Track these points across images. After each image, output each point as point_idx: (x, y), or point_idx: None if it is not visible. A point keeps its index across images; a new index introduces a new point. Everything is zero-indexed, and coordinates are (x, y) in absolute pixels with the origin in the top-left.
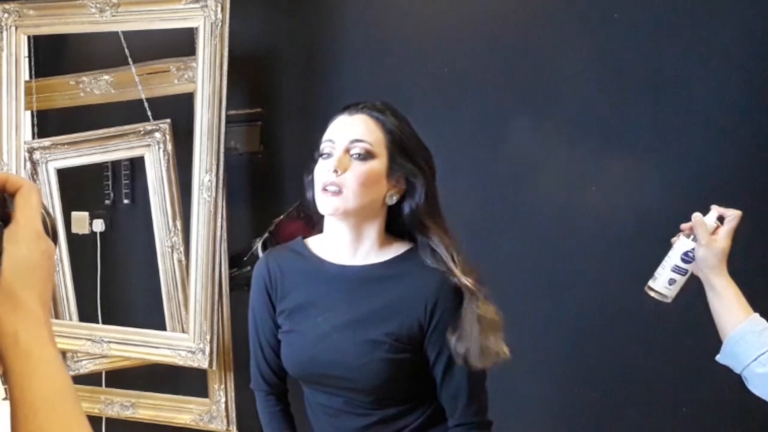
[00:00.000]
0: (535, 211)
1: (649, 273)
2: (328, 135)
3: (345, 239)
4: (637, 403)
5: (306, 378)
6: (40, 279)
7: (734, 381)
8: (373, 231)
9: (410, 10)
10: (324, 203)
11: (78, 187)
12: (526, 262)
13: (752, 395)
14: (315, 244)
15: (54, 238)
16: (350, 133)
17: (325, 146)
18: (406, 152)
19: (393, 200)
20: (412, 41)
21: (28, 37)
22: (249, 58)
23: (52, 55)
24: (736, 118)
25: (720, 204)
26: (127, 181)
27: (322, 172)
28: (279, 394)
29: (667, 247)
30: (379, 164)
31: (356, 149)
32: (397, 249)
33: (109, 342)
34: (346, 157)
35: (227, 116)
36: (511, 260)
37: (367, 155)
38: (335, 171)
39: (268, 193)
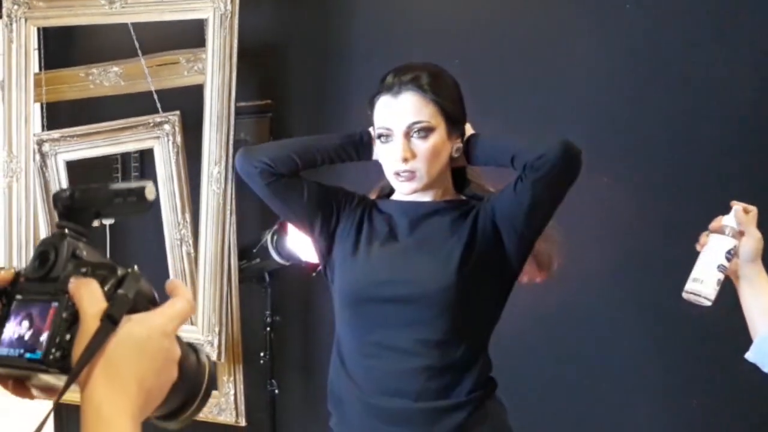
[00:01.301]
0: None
1: (667, 270)
2: (381, 122)
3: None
4: (648, 399)
5: (369, 298)
6: (150, 368)
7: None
8: (444, 180)
9: (423, 2)
10: (401, 187)
11: (87, 179)
12: None
13: None
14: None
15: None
16: (405, 117)
17: (381, 131)
18: (456, 109)
19: (458, 152)
20: (423, 32)
21: (38, 29)
22: (259, 49)
23: (61, 47)
24: (751, 113)
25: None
26: (136, 174)
27: (390, 160)
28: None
29: (682, 244)
30: (440, 133)
31: (416, 129)
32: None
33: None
34: (409, 141)
35: (237, 108)
36: None
37: (428, 131)
38: (404, 160)
39: None
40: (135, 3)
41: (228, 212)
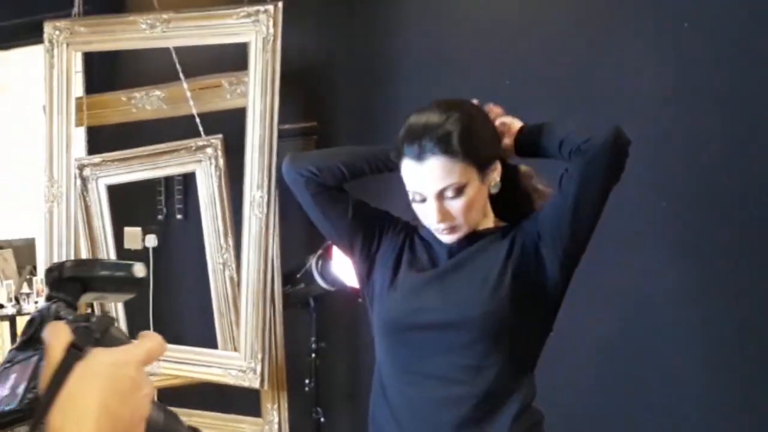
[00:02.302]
0: (599, 228)
1: (731, 295)
2: (410, 185)
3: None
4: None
5: (408, 327)
6: (114, 394)
7: None
8: (485, 211)
9: (470, 20)
10: (444, 239)
11: (131, 202)
12: (592, 282)
13: None
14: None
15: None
16: (434, 184)
17: (411, 193)
18: (487, 150)
19: (497, 188)
20: (473, 53)
21: (83, 54)
22: (304, 71)
23: (106, 71)
24: None
25: None
26: (180, 197)
27: (428, 219)
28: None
29: (745, 269)
30: (474, 184)
31: (449, 192)
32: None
33: (160, 360)
34: (443, 202)
35: (281, 130)
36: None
37: (461, 189)
38: (441, 221)
39: None
40: (176, 27)
41: (271, 237)
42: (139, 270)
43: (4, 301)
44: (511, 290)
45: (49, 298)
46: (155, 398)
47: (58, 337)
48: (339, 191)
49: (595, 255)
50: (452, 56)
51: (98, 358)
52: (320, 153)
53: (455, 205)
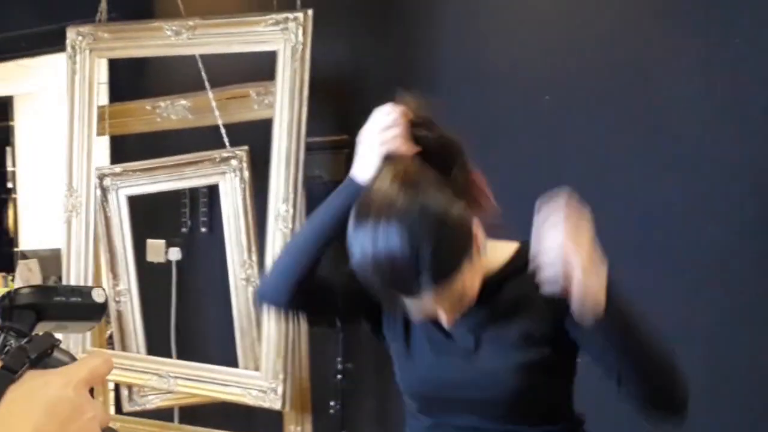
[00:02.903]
0: (649, 246)
1: None
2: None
3: None
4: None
5: (433, 398)
6: (49, 418)
7: None
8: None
9: (510, 31)
10: (443, 322)
11: (155, 213)
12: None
13: None
14: None
15: None
16: (432, 308)
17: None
18: (468, 253)
19: (486, 249)
20: (512, 65)
21: (108, 61)
22: (334, 81)
23: (131, 80)
24: None
25: None
26: (204, 209)
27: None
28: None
29: None
30: (465, 271)
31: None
32: (501, 253)
33: (176, 378)
34: (440, 304)
35: (312, 143)
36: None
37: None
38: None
39: None
40: (202, 34)
41: None
42: (98, 295)
43: None
44: (540, 359)
45: (0, 329)
46: (109, 424)
47: None
48: (312, 294)
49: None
50: (490, 69)
51: (32, 381)
52: (272, 276)
53: (451, 298)
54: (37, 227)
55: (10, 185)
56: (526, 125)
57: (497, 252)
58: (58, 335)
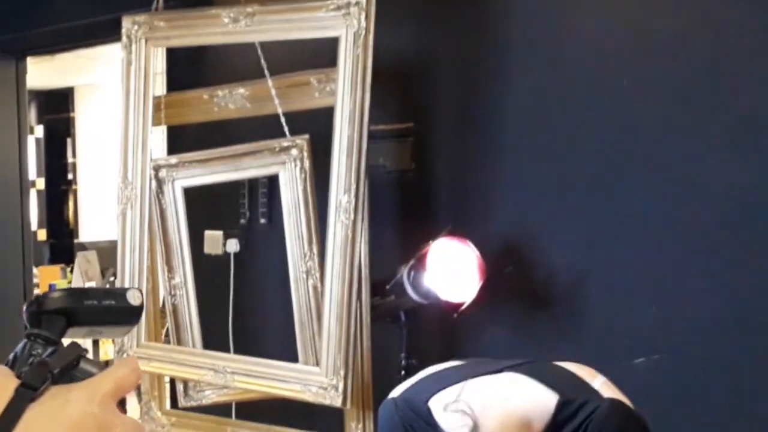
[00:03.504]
0: (730, 243)
1: None
2: None
3: None
4: None
5: None
6: None
7: None
8: None
9: (585, 12)
10: None
11: (213, 204)
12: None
13: None
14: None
15: None
16: None
17: None
18: None
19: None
20: (587, 49)
21: (166, 51)
22: (400, 68)
23: (189, 69)
24: None
25: None
26: (264, 200)
27: None
28: None
29: None
30: None
31: None
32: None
33: (233, 373)
34: None
35: (376, 131)
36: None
37: None
38: None
39: (418, 215)
40: (261, 21)
41: (357, 245)
42: (133, 297)
43: None
44: None
45: (28, 336)
46: None
47: (5, 377)
48: None
49: None
50: (562, 53)
51: (54, 399)
52: None
53: None
54: (96, 218)
55: (70, 176)
56: (600, 112)
57: (529, 401)
58: (87, 342)
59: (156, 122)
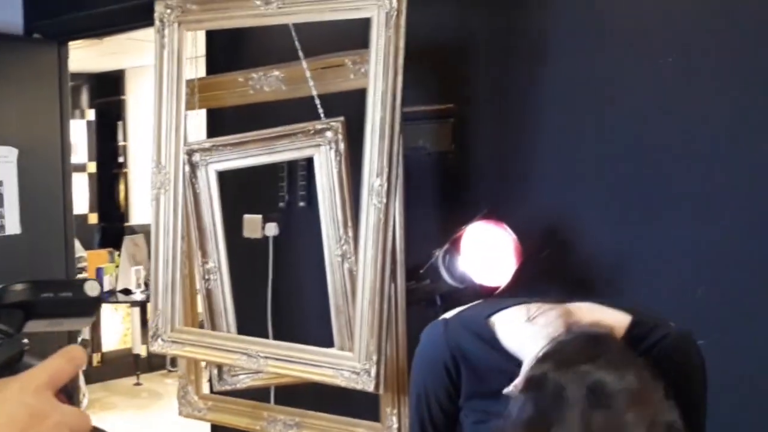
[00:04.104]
0: None
1: None
2: None
3: None
4: None
5: None
6: (7, 425)
7: None
8: None
9: None
10: None
11: (252, 188)
12: None
13: None
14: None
15: None
16: None
17: None
18: None
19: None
20: (629, 25)
21: (206, 34)
22: (440, 49)
23: (227, 52)
24: None
25: None
26: (303, 182)
27: None
28: None
29: None
30: None
31: None
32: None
33: (266, 358)
34: None
35: (416, 113)
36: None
37: None
38: None
39: (457, 197)
40: (292, 3)
41: (389, 229)
42: (90, 288)
43: (133, 287)
44: None
45: None
46: (90, 426)
47: None
48: None
49: None
50: (606, 30)
51: None
52: None
53: None
54: (146, 202)
55: (121, 159)
56: (642, 93)
57: (606, 314)
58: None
59: (191, 106)
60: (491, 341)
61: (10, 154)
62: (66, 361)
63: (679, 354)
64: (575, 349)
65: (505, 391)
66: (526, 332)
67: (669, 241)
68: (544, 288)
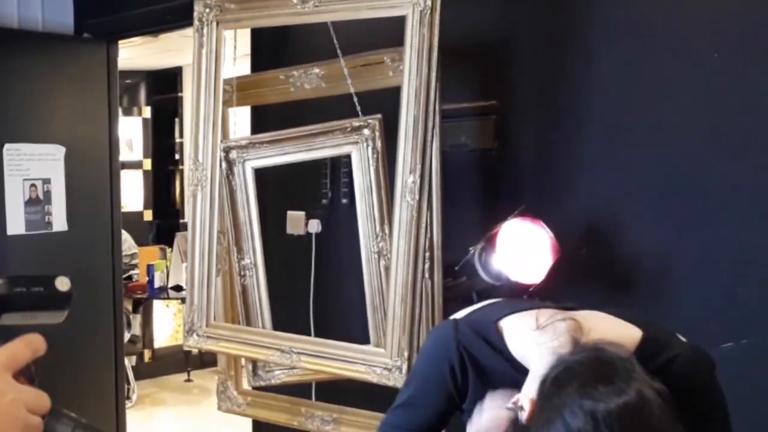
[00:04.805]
0: None
1: None
2: None
3: None
4: None
5: None
6: None
7: None
8: None
9: None
10: None
11: (296, 184)
12: None
13: None
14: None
15: None
16: None
17: None
18: None
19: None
20: (675, 21)
21: (251, 32)
22: (482, 45)
23: (271, 50)
24: None
25: None
26: (346, 179)
27: None
28: None
29: None
30: None
31: None
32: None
33: (300, 354)
34: None
35: (458, 110)
36: None
37: None
38: None
39: (499, 194)
40: (329, 1)
41: (422, 226)
42: (61, 283)
43: (183, 283)
44: None
45: None
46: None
47: None
48: None
49: None
50: (651, 26)
51: None
52: None
53: None
54: None
55: (177, 156)
56: (687, 90)
57: (618, 329)
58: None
59: (230, 104)
60: (499, 346)
61: (58, 152)
62: (24, 345)
63: (692, 374)
64: (583, 375)
65: (507, 407)
66: (533, 342)
67: (713, 240)
68: (581, 286)
